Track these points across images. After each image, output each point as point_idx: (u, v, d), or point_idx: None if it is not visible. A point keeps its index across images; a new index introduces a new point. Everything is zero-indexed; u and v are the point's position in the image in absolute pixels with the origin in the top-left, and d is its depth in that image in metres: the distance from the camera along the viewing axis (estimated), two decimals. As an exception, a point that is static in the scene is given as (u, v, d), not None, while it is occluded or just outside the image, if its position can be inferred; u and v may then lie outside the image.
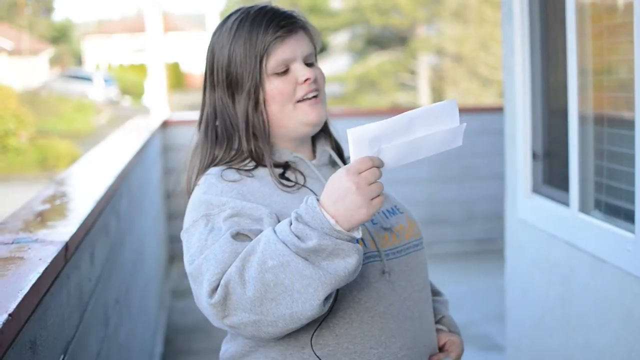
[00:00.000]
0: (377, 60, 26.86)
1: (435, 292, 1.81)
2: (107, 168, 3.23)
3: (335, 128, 1.76)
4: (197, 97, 2.04)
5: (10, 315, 1.24)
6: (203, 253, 1.43)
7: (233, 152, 1.62)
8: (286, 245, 1.33)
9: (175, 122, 6.80)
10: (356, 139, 1.35)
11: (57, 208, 2.35)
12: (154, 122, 6.39)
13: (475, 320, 4.90)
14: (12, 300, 1.31)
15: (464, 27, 24.46)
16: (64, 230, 1.90)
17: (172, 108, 7.60)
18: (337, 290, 1.39)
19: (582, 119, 2.76)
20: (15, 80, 29.24)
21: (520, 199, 3.32)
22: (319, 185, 1.62)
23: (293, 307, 1.34)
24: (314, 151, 1.70)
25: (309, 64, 1.62)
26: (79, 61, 42.45)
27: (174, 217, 6.34)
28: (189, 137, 1.72)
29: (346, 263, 1.34)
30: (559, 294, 2.93)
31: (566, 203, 2.89)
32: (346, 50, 29.81)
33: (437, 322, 1.73)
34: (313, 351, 1.50)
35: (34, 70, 33.32)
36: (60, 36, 41.05)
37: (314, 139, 1.71)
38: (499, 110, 4.72)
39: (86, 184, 2.93)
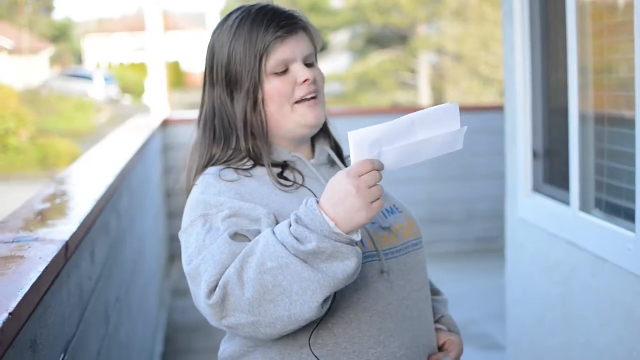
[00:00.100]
0: (377, 59, 26.83)
1: (434, 291, 1.80)
2: (107, 167, 3.23)
3: (335, 127, 1.75)
4: (197, 95, 2.04)
5: (10, 314, 1.24)
6: (201, 253, 1.43)
7: (231, 151, 1.62)
8: (285, 247, 1.33)
9: (175, 121, 6.80)
10: (357, 141, 1.34)
11: (57, 207, 2.35)
12: (154, 121, 6.39)
13: (475, 319, 4.90)
14: (13, 299, 1.31)
15: (465, 26, 24.43)
16: (64, 229, 1.90)
17: (172, 107, 7.61)
18: (336, 292, 1.39)
19: (583, 118, 2.76)
20: (16, 79, 29.25)
21: (520, 198, 3.31)
22: (318, 185, 1.61)
23: (291, 309, 1.34)
24: (312, 150, 1.70)
25: (309, 65, 1.62)
26: (79, 60, 42.44)
27: (174, 215, 6.34)
28: (189, 135, 1.72)
29: (345, 266, 1.33)
30: (559, 293, 2.93)
31: (567, 202, 2.88)
32: (346, 49, 29.78)
33: (437, 321, 1.73)
34: (311, 351, 1.50)
35: (34, 69, 33.30)
36: (60, 35, 41.02)
37: (313, 138, 1.70)
38: (499, 109, 4.73)
39: (86, 182, 2.93)
